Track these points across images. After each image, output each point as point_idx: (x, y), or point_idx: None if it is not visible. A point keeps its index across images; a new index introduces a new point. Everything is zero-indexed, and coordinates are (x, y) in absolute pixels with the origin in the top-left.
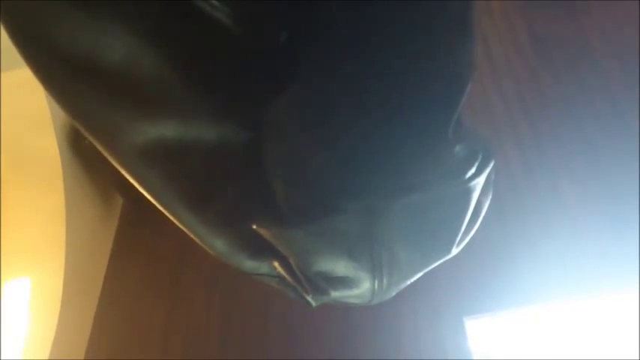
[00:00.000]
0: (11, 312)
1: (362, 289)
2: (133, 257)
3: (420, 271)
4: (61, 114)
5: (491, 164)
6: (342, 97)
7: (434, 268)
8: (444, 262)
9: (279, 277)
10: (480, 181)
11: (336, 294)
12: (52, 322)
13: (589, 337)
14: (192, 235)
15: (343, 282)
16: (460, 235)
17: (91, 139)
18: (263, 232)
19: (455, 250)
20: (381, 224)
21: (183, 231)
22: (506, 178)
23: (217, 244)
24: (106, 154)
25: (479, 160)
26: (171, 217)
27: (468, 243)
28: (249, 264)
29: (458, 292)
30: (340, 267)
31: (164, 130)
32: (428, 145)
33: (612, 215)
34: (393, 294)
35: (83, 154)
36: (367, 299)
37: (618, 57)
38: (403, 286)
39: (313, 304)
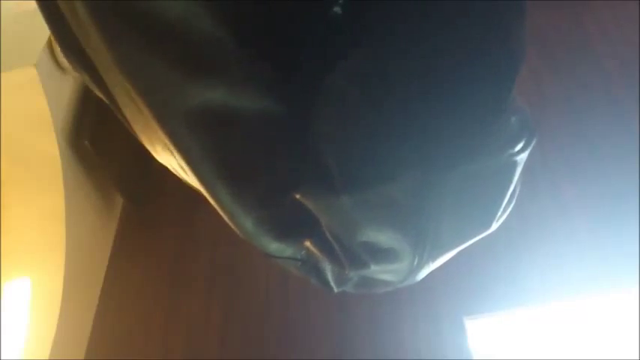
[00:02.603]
0: (11, 312)
1: (402, 263)
2: (133, 257)
3: (460, 245)
4: (62, 114)
5: (534, 140)
6: (404, 65)
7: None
8: (445, 261)
9: (302, 260)
10: (525, 156)
11: (376, 267)
12: (52, 322)
13: (589, 337)
14: (222, 212)
15: (385, 254)
16: (501, 209)
17: (140, 100)
18: (309, 201)
19: (495, 226)
20: (433, 194)
21: (184, 231)
22: None
23: (247, 223)
24: (153, 118)
25: (527, 135)
26: (205, 191)
27: None
28: (275, 246)
29: (458, 292)
30: (386, 238)
31: (214, 95)
32: (487, 114)
33: (612, 215)
34: (427, 272)
35: (83, 154)
36: (403, 275)
37: (619, 57)
38: (439, 263)
39: (335, 289)
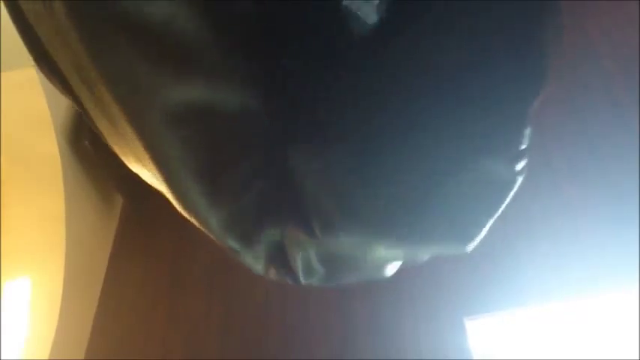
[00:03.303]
0: (11, 312)
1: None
2: (133, 257)
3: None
4: (62, 114)
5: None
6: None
7: (433, 268)
8: (444, 262)
9: (270, 257)
10: (522, 177)
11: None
12: (52, 322)
13: (589, 337)
14: (185, 209)
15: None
16: (487, 226)
17: (118, 101)
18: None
19: (471, 245)
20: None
21: (183, 231)
22: None
23: (212, 220)
24: (130, 117)
25: (528, 153)
26: (170, 187)
27: None
28: (239, 244)
29: (458, 292)
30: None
31: (196, 92)
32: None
33: (612, 215)
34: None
35: (83, 154)
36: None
37: (619, 57)
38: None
39: (303, 280)
